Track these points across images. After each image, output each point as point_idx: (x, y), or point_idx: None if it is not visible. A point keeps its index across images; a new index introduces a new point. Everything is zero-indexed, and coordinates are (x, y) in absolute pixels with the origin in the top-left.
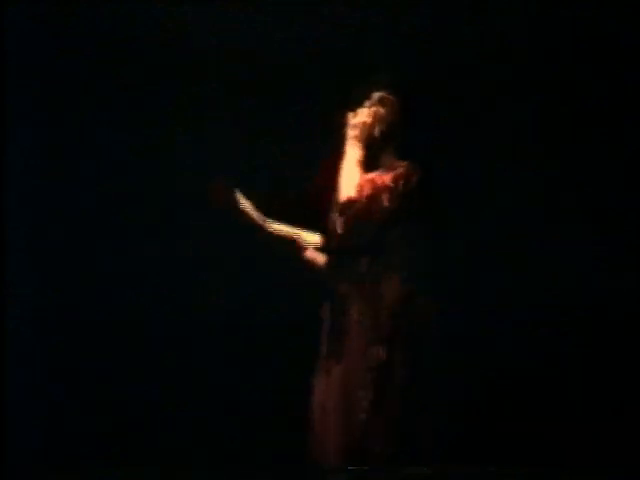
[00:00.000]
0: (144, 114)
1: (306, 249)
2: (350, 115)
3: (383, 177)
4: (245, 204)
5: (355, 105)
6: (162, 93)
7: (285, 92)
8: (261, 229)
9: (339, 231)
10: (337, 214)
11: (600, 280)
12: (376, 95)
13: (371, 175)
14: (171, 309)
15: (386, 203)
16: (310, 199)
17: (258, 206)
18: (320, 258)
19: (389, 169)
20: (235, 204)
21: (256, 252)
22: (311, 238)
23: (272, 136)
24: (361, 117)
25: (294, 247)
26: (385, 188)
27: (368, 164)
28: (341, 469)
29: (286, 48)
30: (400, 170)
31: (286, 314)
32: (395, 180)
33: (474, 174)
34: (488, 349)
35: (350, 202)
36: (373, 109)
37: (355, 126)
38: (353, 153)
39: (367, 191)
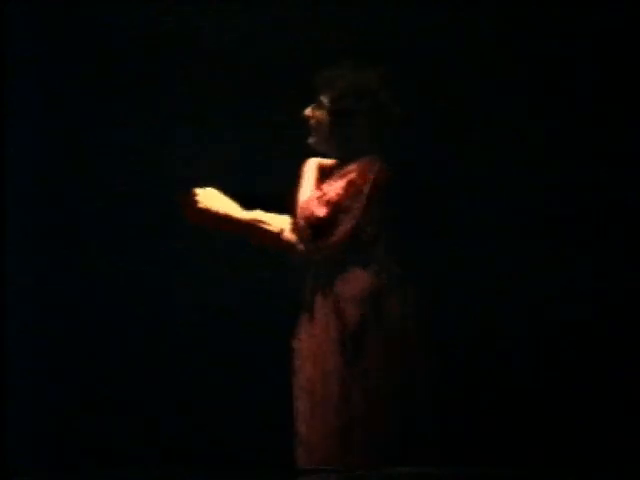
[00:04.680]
0: (144, 114)
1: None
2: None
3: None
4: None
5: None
6: (163, 93)
7: (285, 92)
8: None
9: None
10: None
11: (600, 281)
12: (319, 99)
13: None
14: (172, 309)
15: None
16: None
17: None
18: (293, 239)
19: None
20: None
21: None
22: (280, 220)
23: (272, 136)
24: (310, 120)
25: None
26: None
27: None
28: (339, 470)
29: (286, 48)
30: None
31: (284, 313)
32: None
33: (464, 171)
34: (488, 349)
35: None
36: (313, 112)
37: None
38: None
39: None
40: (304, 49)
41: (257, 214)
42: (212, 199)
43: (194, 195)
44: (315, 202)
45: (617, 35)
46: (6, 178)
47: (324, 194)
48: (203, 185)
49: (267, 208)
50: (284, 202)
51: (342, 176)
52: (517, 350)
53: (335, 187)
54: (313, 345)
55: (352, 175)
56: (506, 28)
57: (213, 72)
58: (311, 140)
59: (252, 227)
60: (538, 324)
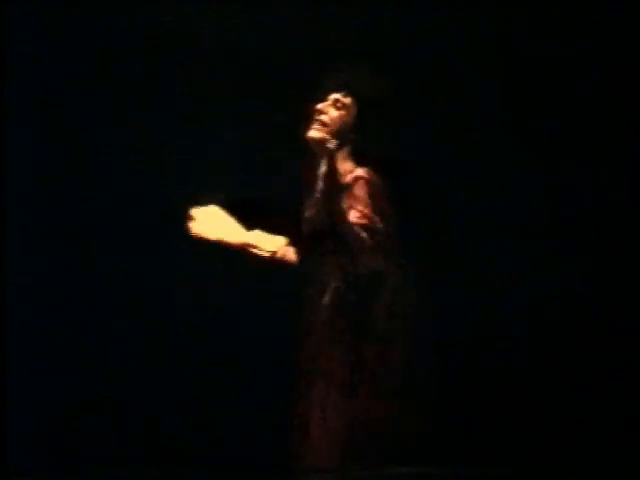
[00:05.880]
0: (144, 114)
1: (265, 256)
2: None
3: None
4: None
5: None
6: (163, 93)
7: (285, 92)
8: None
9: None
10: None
11: (600, 281)
12: (331, 97)
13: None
14: (172, 309)
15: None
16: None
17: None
18: (292, 255)
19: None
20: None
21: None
22: (273, 242)
23: (272, 136)
24: (317, 118)
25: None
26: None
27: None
28: (337, 470)
29: (286, 48)
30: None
31: (284, 314)
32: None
33: (464, 171)
34: (488, 349)
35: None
36: (326, 111)
37: (312, 127)
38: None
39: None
40: (304, 49)
41: (246, 236)
42: (207, 222)
43: (189, 219)
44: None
45: (617, 35)
46: (6, 178)
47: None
48: (202, 186)
49: (267, 208)
50: (283, 202)
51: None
52: (517, 350)
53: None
54: (317, 346)
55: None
56: (506, 28)
57: (213, 72)
58: (314, 134)
59: (243, 251)
60: (538, 324)
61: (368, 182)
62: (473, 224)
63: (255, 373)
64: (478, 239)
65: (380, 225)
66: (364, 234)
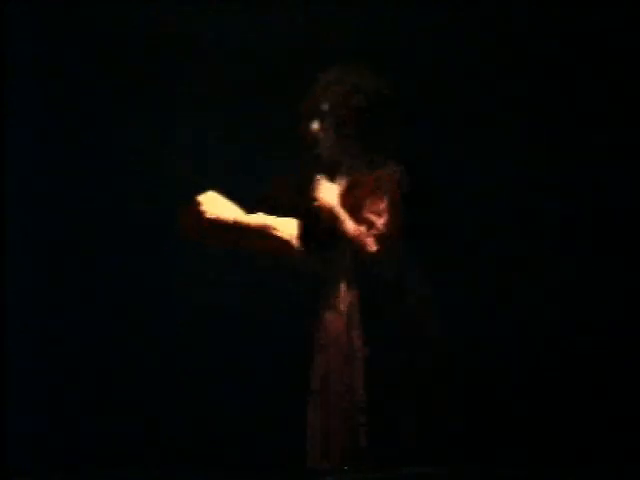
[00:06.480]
0: (144, 114)
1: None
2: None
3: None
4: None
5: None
6: (163, 93)
7: (285, 92)
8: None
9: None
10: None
11: (600, 281)
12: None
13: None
14: (172, 309)
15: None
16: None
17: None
18: (297, 245)
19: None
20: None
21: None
22: (290, 225)
23: (272, 136)
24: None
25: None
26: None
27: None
28: (337, 470)
29: (286, 48)
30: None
31: (284, 314)
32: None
33: (465, 171)
34: (488, 349)
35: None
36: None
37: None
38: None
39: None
40: (304, 49)
41: (263, 218)
42: (216, 206)
43: (198, 205)
44: (367, 237)
45: (617, 35)
46: (6, 179)
47: (374, 225)
48: (202, 186)
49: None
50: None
51: (377, 189)
52: (517, 350)
53: (379, 211)
54: (317, 345)
55: (389, 193)
56: (506, 28)
57: (213, 72)
58: (324, 151)
59: (262, 233)
60: (538, 324)
61: (391, 178)
62: (473, 224)
63: (255, 373)
64: (478, 239)
65: (390, 218)
66: (370, 237)
